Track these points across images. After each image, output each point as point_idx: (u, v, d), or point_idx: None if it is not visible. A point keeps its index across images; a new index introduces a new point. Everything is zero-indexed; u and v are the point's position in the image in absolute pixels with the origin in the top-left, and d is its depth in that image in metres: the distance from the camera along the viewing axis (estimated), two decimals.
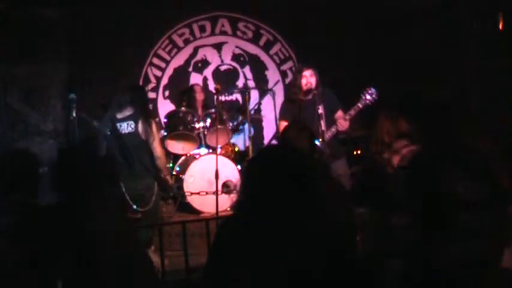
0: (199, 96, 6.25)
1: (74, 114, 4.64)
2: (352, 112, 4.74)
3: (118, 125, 4.74)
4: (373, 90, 4.69)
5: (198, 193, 5.41)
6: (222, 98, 6.59)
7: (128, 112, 4.77)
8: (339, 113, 4.95)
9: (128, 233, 2.59)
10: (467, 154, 2.24)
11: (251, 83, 6.94)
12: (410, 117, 3.38)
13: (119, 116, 4.76)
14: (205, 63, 6.99)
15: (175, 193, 5.69)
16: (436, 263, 2.17)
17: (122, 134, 4.74)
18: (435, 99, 2.47)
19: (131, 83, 6.33)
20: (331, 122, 4.87)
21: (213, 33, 7.00)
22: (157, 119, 6.53)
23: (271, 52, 7.14)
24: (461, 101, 2.54)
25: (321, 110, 4.72)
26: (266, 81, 7.05)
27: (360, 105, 4.70)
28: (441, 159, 2.24)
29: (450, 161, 2.21)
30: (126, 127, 4.75)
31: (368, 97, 4.69)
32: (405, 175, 2.38)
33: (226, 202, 5.45)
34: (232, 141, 6.14)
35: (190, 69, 6.96)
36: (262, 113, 6.89)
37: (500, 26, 5.46)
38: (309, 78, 4.91)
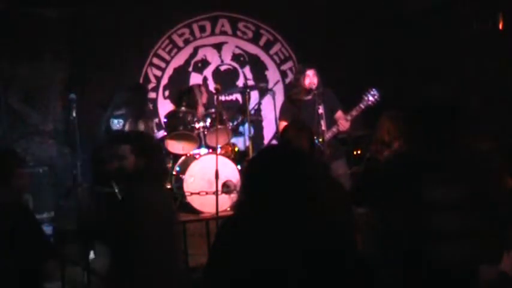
0: (204, 98, 6.24)
1: (74, 114, 4.66)
2: (354, 112, 4.75)
3: (111, 120, 4.83)
4: (375, 91, 4.71)
5: (198, 193, 5.41)
6: (222, 98, 6.58)
7: (121, 111, 4.85)
8: (339, 113, 4.96)
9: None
10: (454, 157, 2.23)
11: (251, 83, 6.93)
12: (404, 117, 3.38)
13: (114, 113, 4.86)
14: (205, 63, 6.99)
15: (174, 193, 5.69)
16: (414, 263, 2.17)
17: (111, 131, 4.84)
18: (428, 100, 2.44)
19: (131, 83, 6.34)
20: (331, 122, 4.88)
21: (213, 33, 6.99)
22: (154, 120, 6.53)
23: (271, 52, 7.14)
24: (458, 101, 2.51)
25: (321, 110, 4.73)
26: (266, 81, 7.05)
27: (361, 105, 4.72)
28: (423, 162, 2.23)
29: (433, 164, 2.20)
30: (116, 123, 4.83)
31: (370, 98, 4.70)
32: (385, 175, 2.38)
33: (226, 202, 5.44)
34: (232, 141, 6.14)
35: (190, 69, 6.95)
36: (262, 113, 6.89)
37: (500, 26, 5.46)
38: (312, 78, 4.93)
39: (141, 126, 4.95)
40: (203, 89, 6.37)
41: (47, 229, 5.39)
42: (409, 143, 2.91)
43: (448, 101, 2.41)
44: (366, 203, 3.24)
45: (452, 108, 2.38)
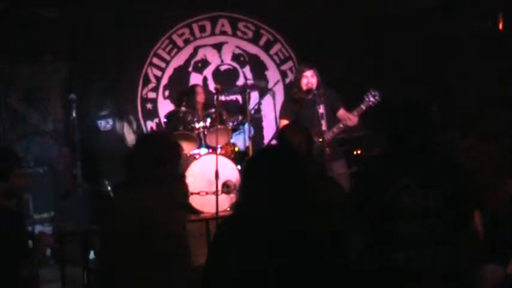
0: (200, 98, 6.25)
1: (74, 114, 4.68)
2: (355, 113, 4.75)
3: (98, 122, 4.86)
4: (376, 92, 4.70)
5: (198, 193, 5.41)
6: (222, 98, 6.58)
7: (106, 111, 4.91)
8: (342, 112, 4.97)
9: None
10: (423, 162, 2.21)
11: (251, 83, 6.93)
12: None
13: (99, 113, 4.93)
14: (205, 63, 6.99)
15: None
16: (377, 270, 2.16)
17: (100, 132, 4.88)
18: (400, 102, 2.37)
19: (106, 83, 6.35)
20: (332, 122, 4.88)
21: (213, 33, 6.99)
22: (154, 120, 6.55)
23: (271, 52, 7.14)
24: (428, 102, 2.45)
25: (321, 110, 4.73)
26: (266, 81, 7.04)
27: (363, 106, 4.72)
28: (391, 167, 2.22)
29: (399, 169, 2.18)
30: (104, 124, 4.87)
31: (371, 99, 4.70)
32: (352, 181, 2.37)
33: (226, 202, 5.44)
34: (232, 141, 6.14)
35: (190, 69, 6.95)
36: (262, 112, 6.89)
37: (500, 26, 5.45)
38: (309, 79, 4.93)
39: (126, 128, 5.00)
40: (199, 89, 6.37)
41: (47, 229, 5.40)
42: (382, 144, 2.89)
43: (418, 101, 2.36)
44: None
45: (421, 108, 2.34)
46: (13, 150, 3.66)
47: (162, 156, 2.87)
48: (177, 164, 3.13)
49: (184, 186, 3.03)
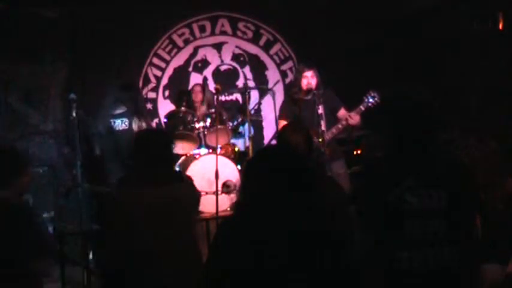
0: (197, 97, 6.25)
1: (74, 114, 4.67)
2: (354, 113, 4.76)
3: (112, 121, 4.81)
4: (375, 93, 4.70)
5: None
6: (222, 98, 6.58)
7: (120, 110, 4.85)
8: (342, 111, 4.97)
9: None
10: (426, 162, 2.21)
11: (251, 83, 6.93)
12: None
13: (113, 113, 4.85)
14: (205, 63, 6.99)
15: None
16: (381, 270, 2.16)
17: (116, 131, 4.82)
18: (402, 104, 2.33)
19: (123, 82, 6.34)
20: (331, 122, 4.88)
21: (213, 33, 7.00)
22: (154, 120, 6.55)
23: (271, 52, 7.14)
24: (432, 105, 2.40)
25: (320, 110, 4.73)
26: (266, 81, 7.05)
27: (362, 107, 4.72)
28: (395, 167, 2.21)
29: (404, 170, 2.18)
30: (120, 123, 4.82)
31: (370, 100, 4.71)
32: (357, 181, 2.37)
33: (226, 202, 5.44)
34: (232, 141, 6.14)
35: (190, 69, 6.96)
36: (262, 113, 6.89)
37: (500, 26, 5.46)
38: (309, 79, 4.94)
39: (143, 125, 4.96)
40: (196, 88, 6.37)
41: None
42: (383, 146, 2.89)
43: (420, 104, 2.36)
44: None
45: (423, 108, 2.34)
46: (21, 150, 3.68)
47: (156, 156, 2.88)
48: (172, 162, 3.13)
49: (192, 186, 3.01)
